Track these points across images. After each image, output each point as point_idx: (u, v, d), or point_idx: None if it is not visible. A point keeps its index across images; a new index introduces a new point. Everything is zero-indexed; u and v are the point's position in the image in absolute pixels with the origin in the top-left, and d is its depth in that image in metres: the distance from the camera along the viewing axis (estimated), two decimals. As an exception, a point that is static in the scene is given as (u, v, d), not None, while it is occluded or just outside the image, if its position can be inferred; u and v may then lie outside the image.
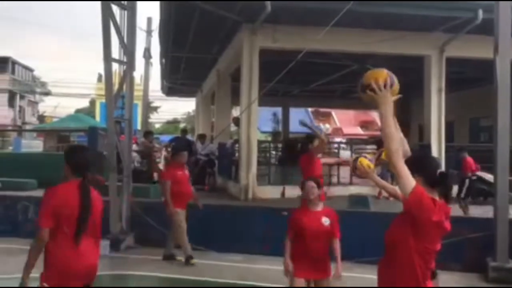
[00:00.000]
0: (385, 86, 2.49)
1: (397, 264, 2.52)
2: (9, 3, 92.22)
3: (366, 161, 3.74)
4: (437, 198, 2.50)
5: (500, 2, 7.13)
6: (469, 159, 10.24)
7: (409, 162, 2.56)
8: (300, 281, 4.35)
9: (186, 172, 7.57)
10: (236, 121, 12.94)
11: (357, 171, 3.81)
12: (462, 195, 9.59)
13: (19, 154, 16.91)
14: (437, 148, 11.37)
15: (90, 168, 3.46)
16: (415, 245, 2.44)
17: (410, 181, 2.41)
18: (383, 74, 2.54)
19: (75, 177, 3.41)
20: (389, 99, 2.48)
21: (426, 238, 2.45)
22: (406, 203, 2.44)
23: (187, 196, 7.42)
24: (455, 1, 9.94)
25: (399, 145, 2.48)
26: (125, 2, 9.09)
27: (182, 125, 57.54)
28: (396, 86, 2.56)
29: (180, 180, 7.27)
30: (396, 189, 3.72)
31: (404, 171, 2.41)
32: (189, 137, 15.98)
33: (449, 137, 12.81)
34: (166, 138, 22.91)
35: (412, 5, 9.68)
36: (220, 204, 8.33)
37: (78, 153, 3.58)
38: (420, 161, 2.68)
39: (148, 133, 14.65)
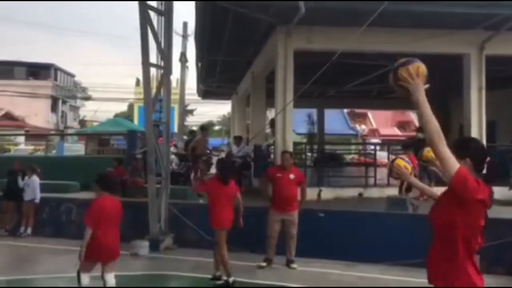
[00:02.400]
0: (417, 74, 2.53)
1: (447, 242, 2.58)
2: (52, 14, 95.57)
3: (403, 163, 3.69)
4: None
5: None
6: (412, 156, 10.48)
7: (457, 145, 2.65)
8: None
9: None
10: (272, 123, 12.92)
11: (393, 173, 3.77)
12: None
13: (62, 157, 17.47)
14: (478, 149, 11.06)
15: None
16: (462, 223, 2.50)
17: (453, 163, 2.46)
18: (406, 66, 2.59)
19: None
20: (422, 87, 2.52)
21: (471, 215, 2.51)
22: (451, 184, 2.48)
23: None
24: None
25: (439, 130, 2.49)
26: (162, 7, 9.30)
27: (217, 128, 58.18)
28: (421, 68, 2.56)
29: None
30: (434, 191, 3.68)
31: (447, 153, 2.45)
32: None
33: (491, 137, 12.45)
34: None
35: (449, 3, 9.48)
36: (256, 206, 8.37)
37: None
38: (468, 145, 2.74)
39: (204, 128, 14.33)
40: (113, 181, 6.00)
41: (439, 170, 4.25)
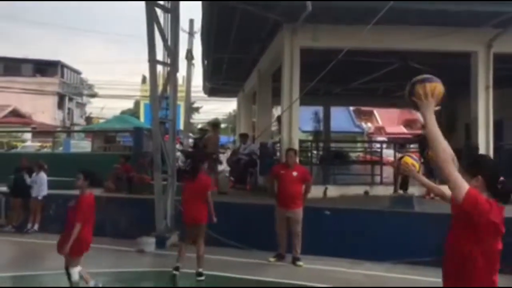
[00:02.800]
0: (432, 94, 2.49)
1: (463, 268, 2.50)
2: (58, 12, 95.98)
3: (411, 160, 3.70)
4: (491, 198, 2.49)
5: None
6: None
7: (468, 162, 2.59)
8: None
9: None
10: (279, 120, 12.89)
11: (401, 171, 3.78)
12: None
13: (69, 154, 17.56)
14: (485, 148, 11.00)
15: None
16: (478, 248, 2.43)
17: (462, 184, 2.39)
18: (425, 84, 2.55)
19: None
20: (432, 107, 2.50)
21: (486, 239, 2.44)
22: (461, 207, 2.41)
23: None
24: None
25: (448, 149, 2.45)
26: (168, 5, 9.31)
27: (223, 125, 58.20)
28: (438, 89, 2.54)
29: None
30: (442, 189, 3.68)
31: (455, 175, 2.39)
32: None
33: (498, 136, 12.36)
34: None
35: (457, 0, 9.42)
36: (261, 203, 8.40)
37: None
38: (479, 162, 2.70)
39: (215, 125, 14.24)
40: (100, 178, 6.27)
41: (421, 181, 4.22)
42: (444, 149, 2.42)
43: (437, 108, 2.53)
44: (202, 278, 6.58)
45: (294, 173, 7.57)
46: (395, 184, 9.98)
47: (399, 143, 11.35)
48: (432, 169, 8.55)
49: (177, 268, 6.56)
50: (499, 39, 10.83)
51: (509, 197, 2.59)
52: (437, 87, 2.53)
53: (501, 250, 2.51)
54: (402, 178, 9.81)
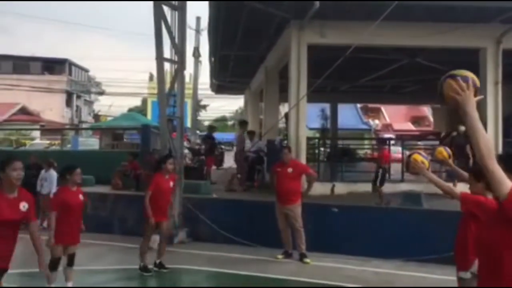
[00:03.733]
0: (467, 86, 2.41)
1: (503, 270, 2.43)
2: (65, 9, 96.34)
3: (421, 158, 3.70)
4: None
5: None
6: (386, 151, 11.17)
7: (505, 159, 2.53)
8: None
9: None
10: (287, 117, 12.89)
11: (410, 168, 3.79)
12: (378, 183, 10.02)
13: (77, 151, 17.66)
14: (494, 144, 10.93)
15: None
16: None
17: (506, 182, 2.31)
18: (464, 73, 2.45)
19: None
20: (472, 99, 2.39)
21: None
22: (504, 204, 2.33)
23: None
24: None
25: (490, 145, 2.36)
26: (176, 2, 9.31)
27: (230, 123, 58.26)
28: (477, 83, 2.48)
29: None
30: (451, 187, 3.68)
31: (499, 173, 2.31)
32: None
33: (507, 132, 12.26)
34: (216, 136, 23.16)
35: (466, -4, 9.36)
36: (268, 200, 8.39)
37: None
38: None
39: (243, 123, 14.18)
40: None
41: (453, 169, 4.28)
42: (486, 144, 2.33)
43: (478, 98, 2.43)
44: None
45: (289, 170, 7.66)
46: (374, 180, 10.00)
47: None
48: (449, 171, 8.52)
49: None
50: (508, 35, 10.74)
51: None
52: (472, 78, 2.43)
53: None
54: (377, 174, 9.92)
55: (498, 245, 2.44)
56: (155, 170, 7.31)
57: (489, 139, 2.36)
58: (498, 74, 11.17)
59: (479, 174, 3.26)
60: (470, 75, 2.45)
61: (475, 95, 2.41)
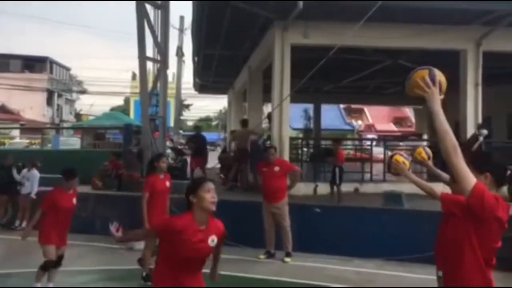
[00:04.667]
0: (433, 83, 2.45)
1: (463, 263, 2.50)
2: (47, 6, 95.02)
3: (402, 159, 3.74)
4: (500, 195, 2.50)
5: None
6: (341, 151, 11.34)
7: (476, 159, 2.58)
8: None
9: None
10: (270, 117, 12.86)
11: (392, 169, 3.83)
12: (337, 181, 10.07)
13: (58, 151, 17.40)
14: (474, 145, 11.08)
15: None
16: (478, 244, 2.44)
17: (470, 178, 2.37)
18: (423, 73, 2.51)
19: None
20: (438, 96, 2.45)
21: (488, 236, 2.45)
22: (467, 200, 2.40)
23: None
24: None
25: (455, 141, 2.41)
26: (159, 1, 9.25)
27: (214, 122, 58.14)
28: (442, 81, 2.51)
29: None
30: (432, 187, 3.73)
31: (464, 169, 2.37)
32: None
33: (487, 133, 12.44)
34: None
35: (447, -2, 9.47)
36: (251, 200, 8.39)
37: None
38: (488, 159, 2.74)
39: (244, 121, 13.68)
40: None
41: (432, 170, 4.34)
42: (452, 141, 2.39)
43: (442, 97, 2.48)
44: None
45: (276, 168, 7.70)
46: (332, 183, 10.08)
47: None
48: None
49: None
50: (488, 37, 10.90)
51: None
52: (436, 76, 2.50)
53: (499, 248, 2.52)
54: (334, 173, 10.05)
55: (461, 240, 2.48)
56: (149, 171, 7.04)
57: (454, 137, 2.41)
58: (478, 76, 11.33)
59: None
60: (438, 72, 2.50)
61: (442, 93, 2.49)
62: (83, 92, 48.86)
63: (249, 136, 12.69)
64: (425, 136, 23.13)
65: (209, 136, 35.97)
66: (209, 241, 3.10)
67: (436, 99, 2.45)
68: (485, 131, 10.42)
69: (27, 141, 26.01)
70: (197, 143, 13.72)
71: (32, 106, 38.66)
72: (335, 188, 10.06)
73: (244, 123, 13.46)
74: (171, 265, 3.01)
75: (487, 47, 11.12)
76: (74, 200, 5.72)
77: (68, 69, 48.55)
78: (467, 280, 2.49)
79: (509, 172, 2.62)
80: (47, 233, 5.48)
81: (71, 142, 21.35)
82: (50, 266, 5.53)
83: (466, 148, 10.22)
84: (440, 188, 4.01)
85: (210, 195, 3.08)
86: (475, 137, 10.26)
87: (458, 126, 11.30)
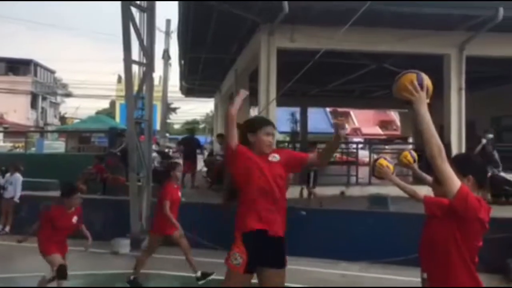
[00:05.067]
0: (421, 87, 2.48)
1: (451, 263, 2.54)
2: (32, 8, 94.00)
3: (386, 162, 3.79)
4: (481, 196, 2.55)
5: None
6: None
7: (458, 162, 2.61)
8: None
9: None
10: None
11: (376, 172, 3.87)
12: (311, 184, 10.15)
13: (42, 155, 17.22)
14: (457, 148, 11.22)
15: None
16: (463, 243, 2.49)
17: (455, 181, 2.41)
18: (411, 76, 2.53)
19: None
20: (425, 100, 2.48)
21: (472, 235, 2.50)
22: (452, 202, 2.44)
23: None
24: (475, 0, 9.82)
25: (440, 144, 2.43)
26: (144, 4, 9.21)
27: (201, 126, 57.96)
28: (429, 86, 2.53)
29: None
30: (416, 190, 3.77)
31: (449, 172, 2.40)
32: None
33: (471, 137, 12.62)
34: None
35: (431, 4, 9.59)
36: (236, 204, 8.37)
37: None
38: (469, 161, 2.73)
39: (220, 136, 13.79)
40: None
41: (417, 173, 4.38)
42: (437, 143, 2.41)
43: (428, 101, 2.51)
44: None
45: None
46: (308, 181, 10.06)
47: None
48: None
49: None
50: (471, 42, 11.06)
51: (501, 191, 2.68)
52: (424, 79, 2.52)
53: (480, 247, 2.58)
54: (309, 176, 10.06)
55: (447, 241, 2.52)
56: (162, 179, 6.79)
57: (439, 140, 2.43)
58: (462, 80, 11.48)
59: None
60: (425, 77, 2.53)
61: (428, 95, 2.51)
62: (68, 95, 48.38)
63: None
64: (410, 139, 23.37)
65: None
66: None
67: (423, 103, 2.48)
68: (490, 135, 10.56)
69: (11, 144, 25.67)
70: (190, 146, 13.65)
71: (15, 109, 38.18)
72: (306, 191, 10.06)
73: (237, 126, 13.47)
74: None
75: (470, 51, 11.28)
76: (75, 219, 5.48)
77: (52, 72, 48.06)
78: (455, 279, 2.53)
79: (489, 174, 2.67)
80: (47, 244, 5.34)
81: (56, 145, 21.11)
82: (64, 270, 5.22)
83: (469, 150, 10.34)
84: (425, 191, 4.06)
85: (268, 139, 3.40)
86: (478, 140, 10.43)
87: (442, 130, 11.43)
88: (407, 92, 2.49)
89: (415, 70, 2.62)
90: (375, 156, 9.91)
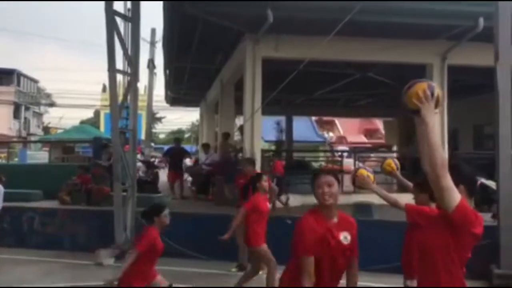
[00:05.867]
0: (432, 97, 2.45)
1: (441, 271, 2.57)
2: (15, 17, 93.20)
3: (366, 172, 3.87)
4: (473, 205, 2.61)
5: (500, 10, 7.19)
6: (279, 162, 12.74)
7: (450, 173, 2.59)
8: None
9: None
10: (242, 130, 12.94)
11: (357, 182, 3.93)
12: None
13: (25, 165, 17.01)
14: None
15: None
16: (455, 253, 2.52)
17: (455, 194, 2.40)
18: (424, 85, 2.49)
19: None
20: (433, 110, 2.45)
21: (464, 247, 2.55)
22: (451, 215, 2.42)
23: None
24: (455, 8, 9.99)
25: (444, 156, 2.43)
26: (129, 14, 9.21)
27: (186, 135, 57.81)
28: (440, 95, 2.49)
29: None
30: (397, 198, 3.82)
31: (450, 184, 2.39)
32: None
33: (454, 145, 12.79)
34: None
35: (414, 14, 9.73)
36: (223, 213, 8.34)
37: None
38: (460, 170, 2.69)
39: (226, 134, 13.63)
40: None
41: (400, 181, 4.43)
42: (441, 155, 2.40)
43: (437, 111, 2.48)
44: None
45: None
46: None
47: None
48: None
49: None
50: (453, 52, 11.24)
51: (492, 201, 2.71)
52: (436, 89, 2.49)
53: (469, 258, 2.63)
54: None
55: (441, 249, 2.55)
56: (247, 191, 6.55)
57: (443, 153, 2.44)
58: (444, 89, 11.63)
59: (423, 185, 3.37)
60: (436, 86, 2.52)
61: (436, 107, 2.48)
62: (52, 105, 47.85)
63: (228, 149, 12.72)
64: (395, 148, 23.59)
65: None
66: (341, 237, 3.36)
67: (431, 112, 2.44)
68: None
69: (-7, 155, 25.28)
70: (177, 155, 13.61)
71: (-3, 119, 37.69)
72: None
73: (226, 136, 13.51)
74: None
75: (452, 61, 11.45)
76: None
77: (36, 82, 47.56)
78: (445, 285, 2.56)
79: (479, 182, 2.71)
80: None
81: (39, 156, 20.87)
82: None
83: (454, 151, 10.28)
84: (408, 198, 4.11)
85: (320, 191, 3.38)
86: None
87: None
88: (419, 100, 2.44)
89: (424, 79, 2.61)
90: (360, 165, 10.00)
